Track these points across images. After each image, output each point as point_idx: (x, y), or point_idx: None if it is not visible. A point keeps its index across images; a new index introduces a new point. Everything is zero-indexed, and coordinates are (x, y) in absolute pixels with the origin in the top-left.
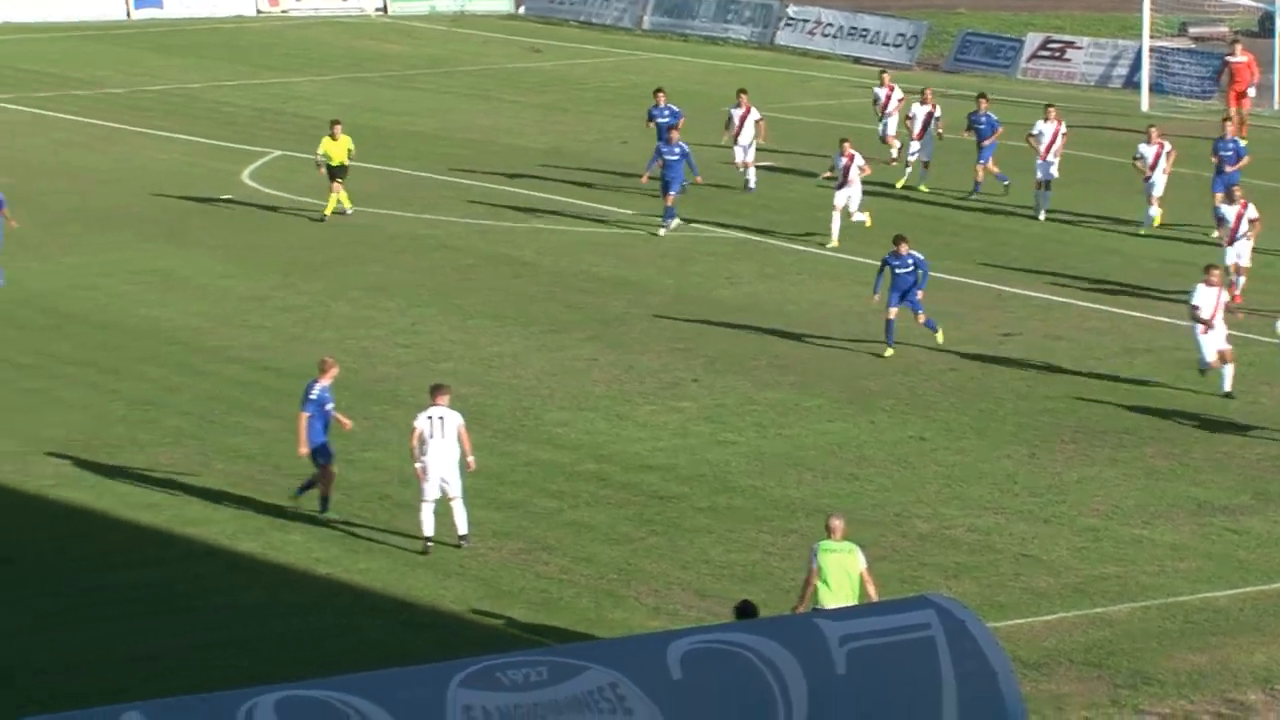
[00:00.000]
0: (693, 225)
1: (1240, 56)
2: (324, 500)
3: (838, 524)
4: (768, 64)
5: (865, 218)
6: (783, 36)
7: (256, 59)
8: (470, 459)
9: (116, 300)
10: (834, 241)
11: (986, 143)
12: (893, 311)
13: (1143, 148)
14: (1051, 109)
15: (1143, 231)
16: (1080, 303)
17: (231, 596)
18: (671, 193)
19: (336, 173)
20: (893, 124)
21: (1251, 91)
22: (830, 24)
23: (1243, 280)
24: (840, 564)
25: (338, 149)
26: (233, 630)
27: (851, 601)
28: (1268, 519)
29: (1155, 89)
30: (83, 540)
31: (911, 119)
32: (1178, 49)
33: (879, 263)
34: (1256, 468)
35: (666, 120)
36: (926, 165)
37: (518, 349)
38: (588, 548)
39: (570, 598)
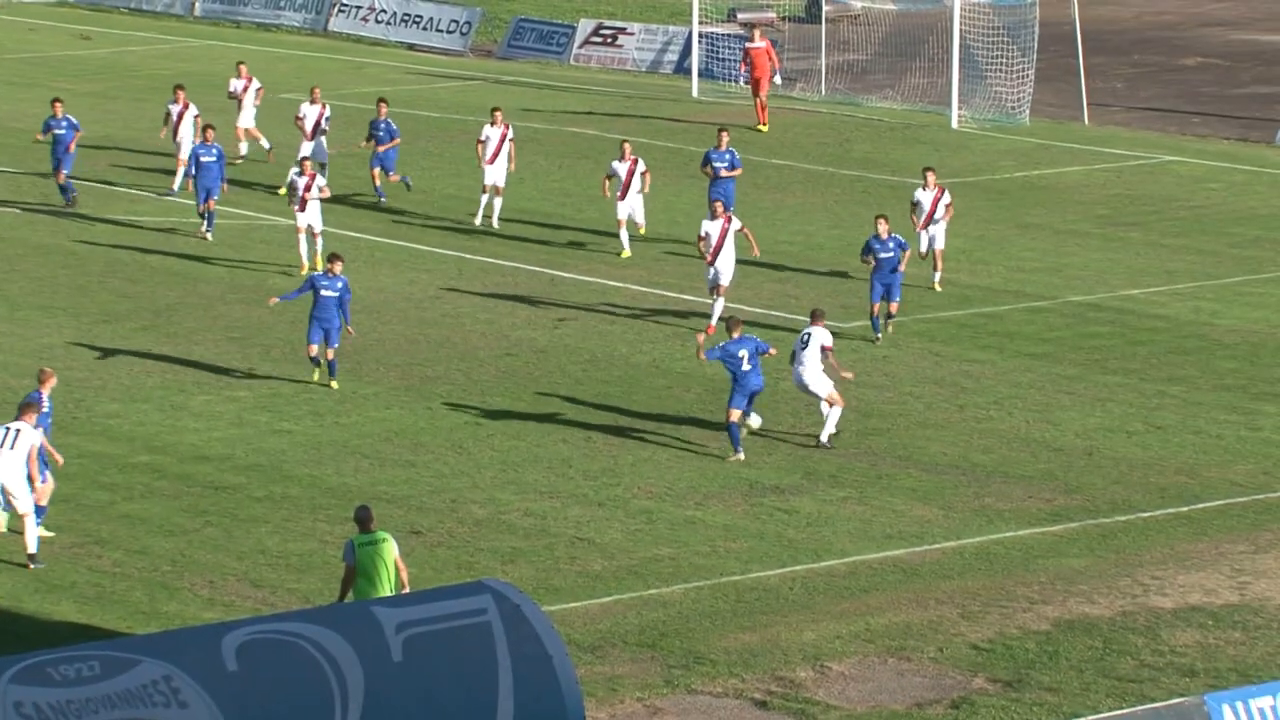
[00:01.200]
0: (246, 214)
1: (759, 43)
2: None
3: (370, 516)
4: (321, 51)
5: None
6: (336, 23)
7: None
8: (35, 481)
9: None
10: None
11: (383, 148)
12: (314, 348)
13: (615, 165)
14: (498, 111)
15: (624, 255)
16: (634, 286)
17: None
18: (213, 198)
19: None
20: (248, 117)
21: (778, 79)
22: (384, 10)
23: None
24: (378, 555)
25: None
26: None
27: (390, 591)
28: (817, 498)
29: (705, 75)
30: None
31: (302, 119)
32: (727, 34)
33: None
34: (806, 448)
35: (64, 132)
36: (324, 166)
37: (69, 340)
38: (141, 540)
39: (123, 591)
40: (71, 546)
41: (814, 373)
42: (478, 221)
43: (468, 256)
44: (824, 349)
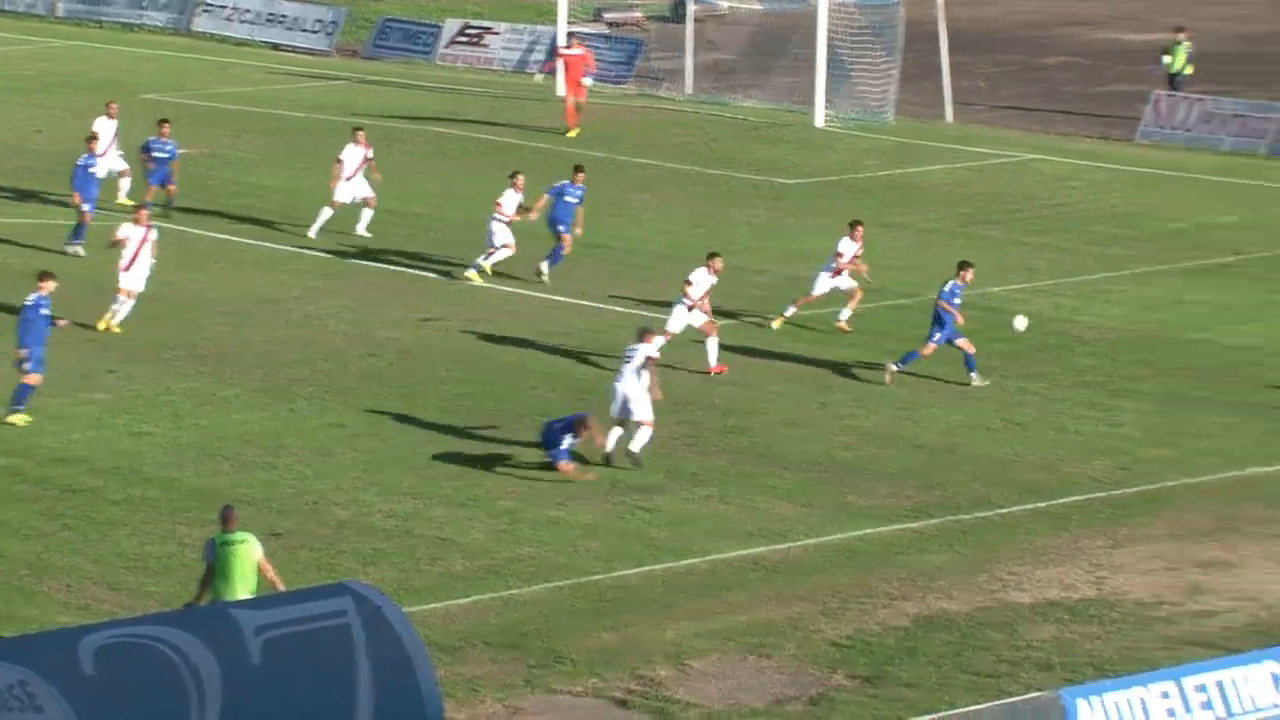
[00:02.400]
0: (110, 215)
1: (575, 50)
2: None
3: (232, 515)
4: (185, 51)
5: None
6: (199, 23)
7: None
8: None
9: None
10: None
11: (173, 163)
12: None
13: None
14: (360, 132)
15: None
16: (500, 287)
17: None
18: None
19: None
20: None
21: (588, 81)
22: (248, 10)
23: None
24: (237, 555)
25: None
26: None
27: (250, 592)
28: (679, 497)
29: None
30: None
31: (97, 137)
32: (593, 34)
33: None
34: (669, 446)
35: None
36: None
37: None
38: None
39: None
40: None
41: (637, 389)
42: (311, 234)
43: (333, 258)
44: (647, 359)
